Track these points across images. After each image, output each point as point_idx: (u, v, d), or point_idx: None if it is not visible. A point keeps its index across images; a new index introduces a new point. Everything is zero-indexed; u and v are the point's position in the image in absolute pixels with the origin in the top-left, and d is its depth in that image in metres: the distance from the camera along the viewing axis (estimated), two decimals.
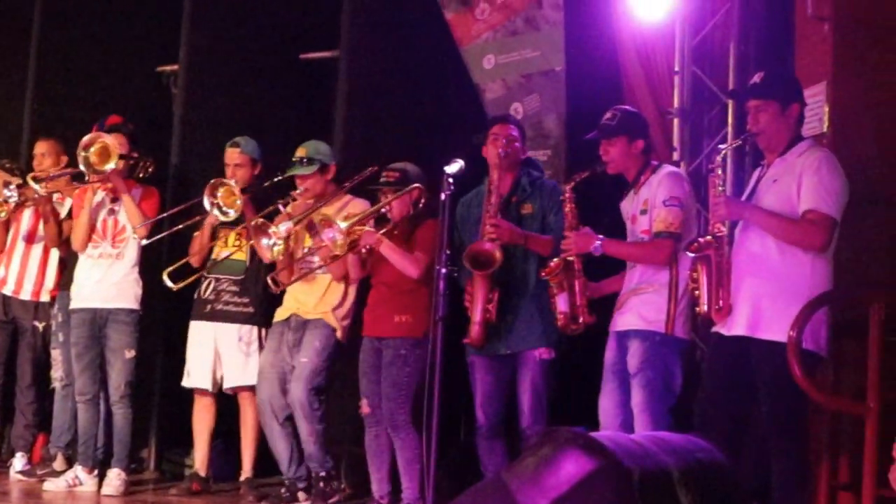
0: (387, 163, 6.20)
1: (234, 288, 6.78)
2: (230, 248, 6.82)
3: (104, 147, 6.60)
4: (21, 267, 7.46)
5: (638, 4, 6.45)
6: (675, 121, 6.52)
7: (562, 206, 5.36)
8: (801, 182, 4.62)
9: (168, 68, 8.84)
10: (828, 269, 4.69)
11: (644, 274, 5.26)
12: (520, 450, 5.54)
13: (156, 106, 8.83)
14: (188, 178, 7.49)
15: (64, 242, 7.28)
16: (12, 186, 7.16)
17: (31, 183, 6.92)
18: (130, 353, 6.78)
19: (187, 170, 7.68)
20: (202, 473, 6.80)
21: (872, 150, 5.43)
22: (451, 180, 5.32)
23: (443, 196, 5.30)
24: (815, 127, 5.38)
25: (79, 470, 6.74)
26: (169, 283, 6.55)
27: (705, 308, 4.75)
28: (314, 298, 6.42)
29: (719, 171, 4.85)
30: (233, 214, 6.46)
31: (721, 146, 5.08)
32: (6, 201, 7.18)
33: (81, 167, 6.62)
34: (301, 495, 6.42)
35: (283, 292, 6.48)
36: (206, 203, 6.43)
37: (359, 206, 6.30)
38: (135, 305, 6.82)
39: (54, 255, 7.46)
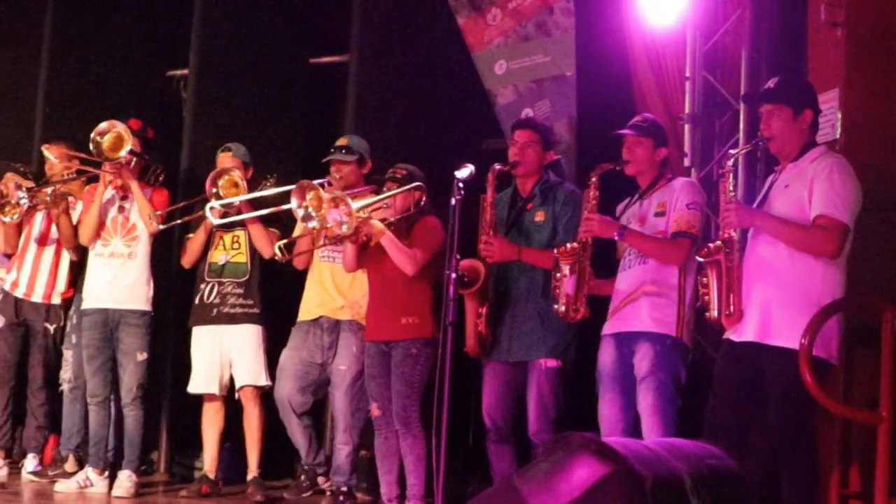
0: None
1: (238, 290, 6.81)
2: (229, 252, 6.85)
3: (118, 136, 6.63)
4: (33, 269, 7.47)
5: (649, 10, 6.45)
6: (686, 126, 6.52)
7: (574, 213, 5.40)
8: (813, 188, 4.61)
9: (178, 72, 8.86)
10: (840, 275, 4.67)
11: (651, 275, 5.24)
12: (529, 456, 5.54)
13: (166, 110, 8.86)
14: (197, 181, 7.49)
15: (78, 245, 7.30)
16: (24, 189, 7.18)
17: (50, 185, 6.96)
18: (142, 356, 6.80)
19: (197, 174, 7.69)
20: (211, 476, 6.81)
21: (885, 157, 5.41)
22: (461, 185, 5.31)
23: (453, 201, 5.29)
24: (828, 133, 5.36)
25: (89, 471, 6.76)
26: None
27: (715, 313, 4.74)
28: (343, 297, 6.46)
29: (730, 177, 4.84)
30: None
31: (732, 151, 5.07)
32: (18, 204, 7.19)
33: (92, 150, 6.62)
34: (321, 479, 6.52)
35: (288, 288, 6.55)
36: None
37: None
38: (146, 307, 6.85)
39: (65, 257, 7.47)
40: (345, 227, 5.75)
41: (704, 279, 4.78)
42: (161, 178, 7.09)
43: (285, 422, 6.54)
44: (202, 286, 6.87)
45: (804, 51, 5.86)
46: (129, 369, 6.76)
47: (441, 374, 5.11)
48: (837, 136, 5.41)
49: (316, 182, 6.04)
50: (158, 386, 7.36)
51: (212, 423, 6.85)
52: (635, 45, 6.70)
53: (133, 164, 6.84)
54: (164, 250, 7.12)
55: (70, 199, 7.34)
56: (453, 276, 5.27)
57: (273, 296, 6.78)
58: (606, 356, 5.34)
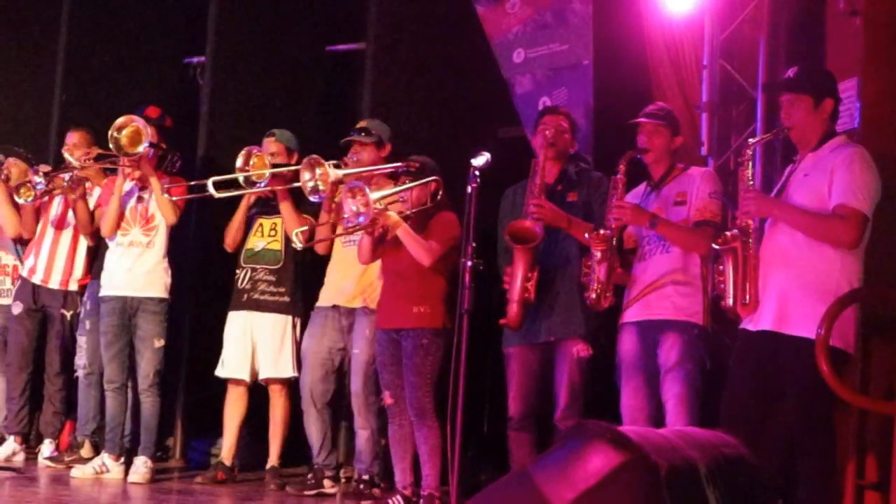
0: (412, 154, 6.19)
1: (270, 277, 6.83)
2: (266, 238, 6.87)
3: (136, 131, 6.64)
4: (50, 256, 7.51)
5: None
6: (704, 115, 6.49)
7: (606, 198, 5.33)
8: (832, 178, 4.59)
9: (195, 60, 8.87)
10: (858, 265, 4.65)
11: (677, 264, 5.24)
12: (548, 442, 5.53)
13: (183, 98, 8.87)
14: (215, 169, 7.50)
15: (95, 231, 7.33)
16: (41, 174, 7.21)
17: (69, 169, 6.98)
18: (160, 343, 6.81)
19: (214, 161, 7.70)
20: (228, 462, 6.82)
21: None
22: (477, 173, 5.30)
23: (469, 189, 5.29)
24: (847, 123, 5.34)
25: (106, 457, 6.78)
26: (294, 241, 6.39)
27: (731, 302, 4.73)
28: (354, 287, 6.47)
29: (749, 165, 4.81)
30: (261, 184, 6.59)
31: (751, 140, 5.04)
32: (34, 187, 7.22)
33: (111, 147, 6.64)
34: (327, 483, 6.49)
35: (321, 279, 6.60)
36: (239, 162, 6.52)
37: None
38: (164, 294, 6.86)
39: (83, 244, 7.51)
40: (362, 219, 5.74)
41: (721, 267, 4.77)
42: (178, 166, 7.09)
43: (304, 412, 6.55)
44: (238, 271, 6.91)
45: (823, 39, 5.84)
46: (147, 356, 6.78)
47: (457, 362, 5.10)
48: (856, 125, 5.38)
49: (332, 162, 6.07)
50: (174, 372, 7.38)
51: (234, 410, 6.87)
52: (652, 34, 6.68)
53: (151, 155, 6.85)
54: (181, 237, 7.13)
55: (87, 184, 7.36)
56: (469, 264, 5.26)
57: (308, 286, 6.76)
58: (628, 345, 5.32)
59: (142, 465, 6.68)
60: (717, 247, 4.77)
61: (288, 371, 6.77)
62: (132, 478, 6.63)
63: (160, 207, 6.82)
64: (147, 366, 6.78)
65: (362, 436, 6.37)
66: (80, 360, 7.26)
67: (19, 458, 7.35)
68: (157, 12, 8.96)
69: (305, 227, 6.47)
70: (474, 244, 5.27)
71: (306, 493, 6.40)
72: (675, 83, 6.58)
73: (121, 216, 6.88)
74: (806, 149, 4.78)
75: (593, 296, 5.22)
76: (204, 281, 7.69)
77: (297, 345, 6.78)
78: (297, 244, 6.23)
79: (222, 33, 8.15)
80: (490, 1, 7.32)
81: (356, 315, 6.46)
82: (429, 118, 7.40)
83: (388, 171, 6.30)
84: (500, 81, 7.28)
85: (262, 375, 6.84)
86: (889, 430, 4.67)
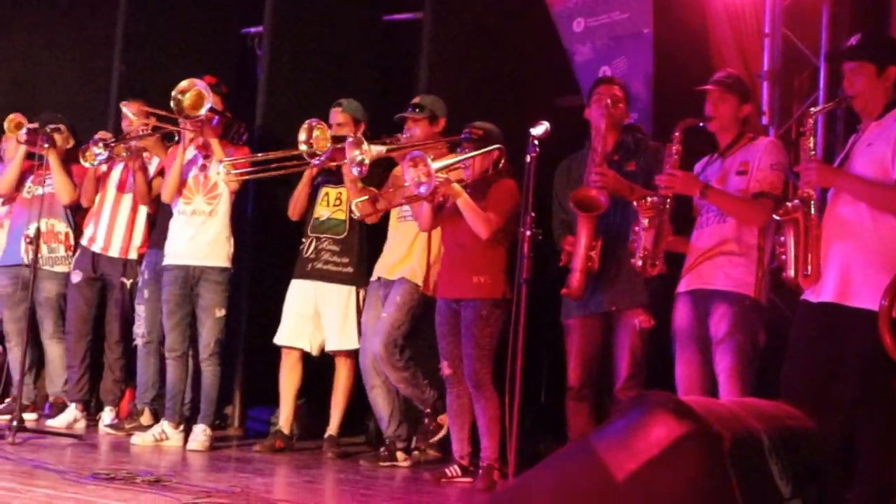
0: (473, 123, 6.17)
1: (334, 247, 6.86)
2: (331, 208, 6.91)
3: (199, 94, 6.66)
4: (110, 224, 7.58)
5: None
6: (765, 84, 6.42)
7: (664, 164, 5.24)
8: (895, 147, 4.52)
9: (253, 30, 8.89)
10: None
11: (731, 234, 5.15)
12: (606, 413, 5.52)
13: (240, 68, 8.90)
14: (273, 140, 7.53)
15: (153, 200, 7.39)
16: (101, 144, 7.27)
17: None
18: (221, 312, 6.86)
19: (272, 132, 7.73)
20: (286, 431, 6.87)
21: None
22: (536, 143, 5.28)
23: (528, 158, 5.27)
24: None
25: (165, 425, 6.85)
26: (353, 210, 6.60)
27: (792, 273, 4.67)
28: (395, 260, 6.51)
29: (811, 135, 4.75)
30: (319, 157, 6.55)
31: (813, 109, 4.97)
32: (96, 157, 7.29)
33: (174, 109, 6.68)
34: (400, 455, 6.51)
35: (378, 252, 6.65)
36: (302, 136, 6.52)
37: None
38: (226, 264, 6.91)
39: (142, 213, 7.57)
40: (423, 189, 5.74)
41: (782, 238, 4.71)
42: (245, 137, 7.14)
43: (367, 386, 6.59)
44: (304, 240, 6.95)
45: (887, 6, 5.74)
46: (208, 325, 6.83)
47: (515, 332, 5.09)
48: None
49: (385, 137, 6.08)
50: (233, 341, 7.43)
51: (290, 378, 6.91)
52: (713, 1, 6.60)
53: (216, 122, 6.89)
54: (240, 206, 7.17)
55: (145, 154, 7.41)
56: (528, 233, 5.25)
57: (372, 257, 6.78)
58: (682, 314, 5.25)
59: (201, 433, 6.74)
60: (777, 217, 4.71)
61: (353, 343, 6.79)
62: (191, 445, 6.70)
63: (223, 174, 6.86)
64: (208, 335, 6.83)
65: (402, 386, 6.40)
66: (139, 328, 7.32)
67: (80, 426, 7.46)
68: None
69: (366, 198, 6.49)
70: (533, 214, 5.25)
71: (381, 464, 6.44)
72: (735, 52, 6.51)
73: (182, 183, 6.94)
74: (869, 118, 4.70)
75: (639, 263, 5.16)
76: (263, 250, 7.74)
77: (361, 317, 6.82)
78: (356, 213, 6.26)
79: (280, 4, 8.15)
80: None
81: (393, 285, 6.49)
82: (486, 88, 7.36)
83: (443, 143, 6.31)
84: (558, 50, 7.22)
85: (328, 347, 6.88)
86: None
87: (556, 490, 2.38)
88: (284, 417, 6.91)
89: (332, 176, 6.89)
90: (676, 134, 5.19)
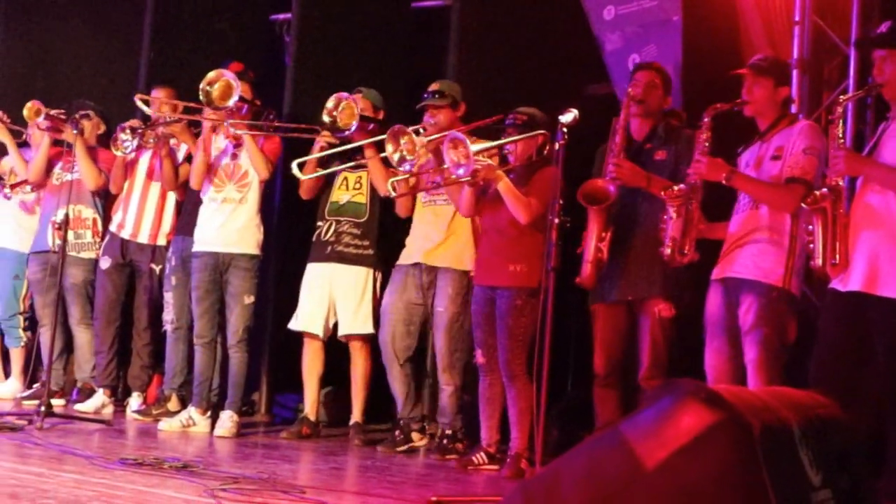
0: (499, 112, 6.15)
1: (354, 230, 6.87)
2: (350, 192, 6.91)
3: (227, 85, 6.66)
4: (139, 211, 7.61)
5: None
6: (795, 72, 6.37)
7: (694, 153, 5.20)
8: None
9: (281, 17, 8.90)
10: None
11: (763, 221, 5.07)
12: (633, 401, 5.50)
13: (269, 55, 8.91)
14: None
15: (180, 187, 7.41)
16: (128, 131, 7.29)
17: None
18: (250, 299, 6.89)
19: (300, 119, 7.72)
20: (312, 418, 6.89)
21: None
22: (564, 130, 5.26)
23: (557, 145, 5.25)
24: None
25: (192, 411, 6.88)
26: (297, 173, 6.66)
27: (819, 262, 4.64)
28: (434, 245, 6.49)
29: (840, 123, 4.71)
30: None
31: (842, 97, 4.92)
32: (124, 144, 7.31)
33: (203, 100, 6.69)
34: (415, 436, 6.54)
35: (405, 235, 6.64)
36: (330, 104, 6.50)
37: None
38: (256, 251, 6.94)
39: (171, 199, 7.60)
40: (461, 171, 5.71)
41: (810, 227, 4.68)
42: (274, 123, 7.15)
43: (387, 367, 6.59)
44: (321, 223, 6.96)
45: None
46: (237, 312, 6.86)
47: (543, 319, 5.08)
48: None
49: (410, 129, 6.04)
50: (260, 328, 7.46)
51: (312, 365, 6.93)
52: None
53: (245, 111, 6.90)
54: (268, 195, 7.18)
55: (173, 141, 7.44)
56: (556, 221, 5.23)
57: (392, 240, 6.79)
58: (713, 302, 5.19)
59: (228, 420, 6.77)
60: (806, 206, 4.67)
61: (368, 327, 6.80)
62: (218, 431, 6.72)
63: (253, 163, 6.88)
64: (237, 322, 6.86)
65: (445, 391, 6.39)
66: (168, 315, 7.35)
67: (108, 411, 7.50)
68: None
69: (406, 176, 6.38)
70: (562, 201, 5.24)
71: (398, 449, 6.44)
72: (765, 39, 6.46)
73: (213, 171, 6.96)
74: None
75: (668, 251, 5.14)
76: (290, 237, 7.75)
77: (377, 301, 6.81)
78: (392, 192, 6.23)
79: None
80: None
81: (438, 273, 6.47)
82: (515, 75, 7.34)
83: (472, 127, 6.27)
84: (588, 38, 7.19)
85: (341, 332, 6.89)
86: None
87: (586, 478, 2.37)
88: (310, 404, 6.93)
89: (350, 160, 6.87)
90: (706, 120, 5.14)
